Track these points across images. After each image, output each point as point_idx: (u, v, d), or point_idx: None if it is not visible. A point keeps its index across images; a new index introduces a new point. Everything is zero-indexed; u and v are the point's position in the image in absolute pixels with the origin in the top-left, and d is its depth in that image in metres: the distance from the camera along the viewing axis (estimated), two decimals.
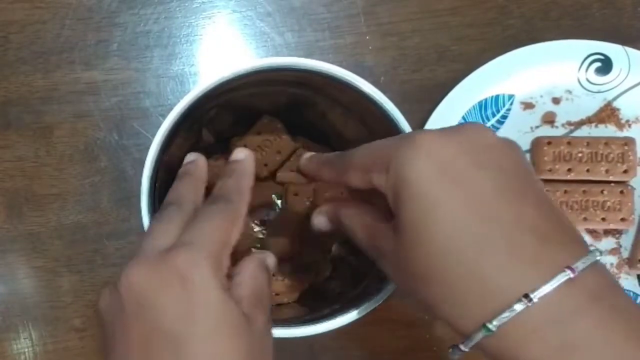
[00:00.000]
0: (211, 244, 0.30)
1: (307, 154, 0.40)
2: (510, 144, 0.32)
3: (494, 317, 0.27)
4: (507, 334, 0.27)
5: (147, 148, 0.39)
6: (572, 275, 0.27)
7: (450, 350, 0.31)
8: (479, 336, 0.28)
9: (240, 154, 0.37)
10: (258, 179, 0.47)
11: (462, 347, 0.29)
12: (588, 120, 0.55)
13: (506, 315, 0.27)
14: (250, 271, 0.33)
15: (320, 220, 0.38)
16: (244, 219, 0.33)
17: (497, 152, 0.31)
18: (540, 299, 0.26)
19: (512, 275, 0.27)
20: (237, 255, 0.34)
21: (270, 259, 0.36)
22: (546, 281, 0.27)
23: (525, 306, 0.26)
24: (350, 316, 0.39)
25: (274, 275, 0.48)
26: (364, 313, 0.39)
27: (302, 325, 0.39)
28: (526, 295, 0.26)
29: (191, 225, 0.32)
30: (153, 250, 0.31)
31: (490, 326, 0.27)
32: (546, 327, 0.27)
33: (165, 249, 0.30)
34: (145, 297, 0.29)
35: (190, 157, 0.39)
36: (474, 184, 0.29)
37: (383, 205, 0.32)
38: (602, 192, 0.53)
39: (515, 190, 0.29)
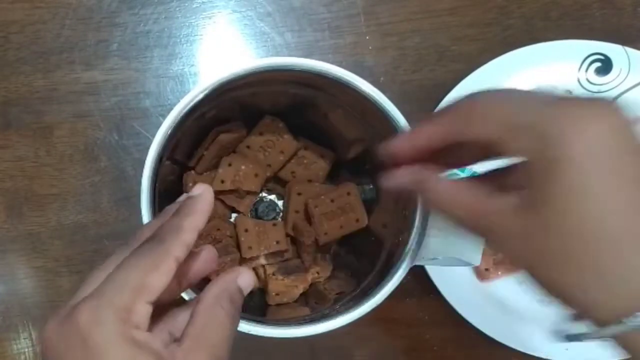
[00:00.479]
0: (120, 295, 0.28)
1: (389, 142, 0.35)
2: None
3: (637, 312, 0.26)
4: None
5: (147, 148, 0.39)
6: None
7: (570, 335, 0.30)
8: (617, 329, 0.27)
9: (197, 189, 0.34)
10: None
11: (593, 335, 0.28)
12: None
13: None
14: (203, 305, 0.31)
15: (397, 181, 0.35)
16: (177, 260, 0.30)
17: (633, 134, 0.28)
18: None
19: None
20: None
21: (244, 279, 0.33)
22: None
23: None
24: (350, 316, 0.39)
25: (273, 274, 0.48)
26: (364, 313, 0.39)
27: (302, 325, 0.39)
28: None
29: (110, 274, 0.30)
30: (70, 304, 0.30)
31: (634, 320, 0.26)
32: None
33: (78, 302, 0.29)
34: (56, 354, 0.29)
35: (195, 190, 0.34)
36: (632, 170, 0.27)
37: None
38: None
39: None
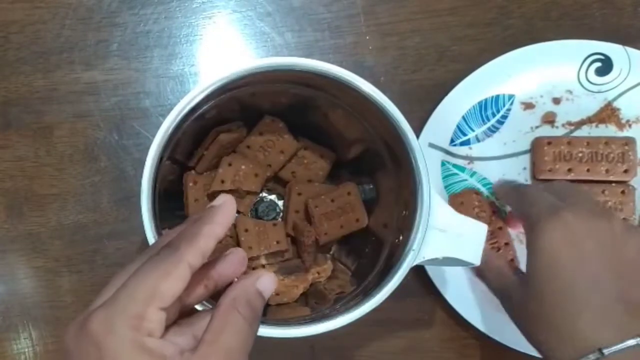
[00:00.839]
0: (132, 303, 0.29)
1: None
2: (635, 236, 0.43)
3: (578, 358, 0.39)
4: None
5: (147, 148, 0.39)
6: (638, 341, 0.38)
7: None
8: None
9: (219, 200, 0.34)
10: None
11: None
12: (589, 120, 0.55)
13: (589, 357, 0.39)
14: (220, 310, 0.31)
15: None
16: (192, 266, 0.30)
17: (620, 243, 0.42)
18: (610, 354, 0.38)
19: (598, 332, 0.39)
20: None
21: (263, 282, 0.33)
22: (617, 343, 0.38)
23: (596, 357, 0.38)
24: (351, 316, 0.39)
25: (274, 275, 0.48)
26: (364, 313, 0.39)
27: (302, 325, 0.39)
28: (600, 350, 0.38)
29: (124, 282, 0.30)
30: (88, 311, 0.30)
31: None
32: None
33: (93, 309, 0.30)
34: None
35: (218, 200, 0.34)
36: (593, 263, 0.41)
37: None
38: (603, 192, 0.53)
39: (624, 272, 0.41)
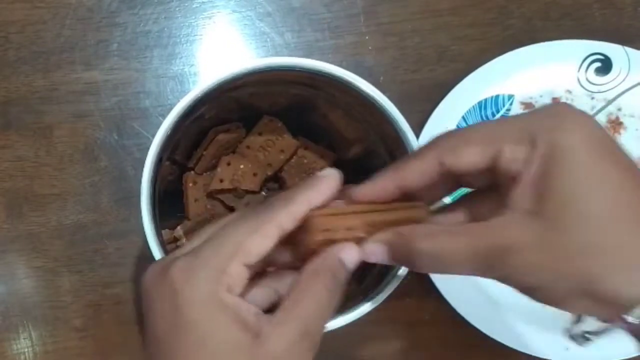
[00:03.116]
0: (214, 255, 0.29)
1: (360, 186, 0.33)
2: None
3: None
4: None
5: (147, 148, 0.39)
6: None
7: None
8: None
9: (325, 172, 0.33)
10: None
11: (630, 318, 0.27)
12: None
13: None
14: (302, 278, 0.30)
15: (375, 252, 0.32)
16: (281, 227, 0.30)
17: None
18: None
19: None
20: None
21: (346, 253, 0.31)
22: None
23: None
24: (351, 316, 0.39)
25: None
26: (364, 313, 0.39)
27: None
28: None
29: (212, 234, 0.31)
30: (171, 257, 0.30)
31: None
32: None
33: (178, 256, 0.30)
34: (149, 301, 0.30)
35: (324, 172, 0.33)
36: (626, 160, 0.28)
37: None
38: None
39: None
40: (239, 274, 0.29)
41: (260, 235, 0.30)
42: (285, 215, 0.30)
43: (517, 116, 0.30)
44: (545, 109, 0.29)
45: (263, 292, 0.32)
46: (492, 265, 0.29)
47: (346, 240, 0.31)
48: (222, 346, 0.28)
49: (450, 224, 0.33)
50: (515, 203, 0.28)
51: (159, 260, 0.31)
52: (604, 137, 0.28)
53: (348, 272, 0.32)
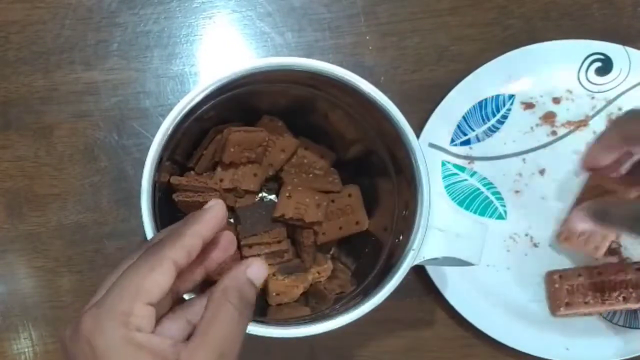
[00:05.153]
0: (118, 301, 0.30)
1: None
2: None
3: None
4: None
5: (147, 148, 0.39)
6: None
7: None
8: None
9: (210, 203, 0.35)
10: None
11: None
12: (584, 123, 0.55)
13: None
14: (210, 301, 0.32)
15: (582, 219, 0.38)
16: (176, 262, 0.31)
17: None
18: None
19: None
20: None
21: (253, 270, 0.33)
22: None
23: None
24: (351, 316, 0.39)
25: (274, 275, 0.48)
26: (364, 313, 0.39)
27: (302, 325, 0.39)
28: None
29: (114, 282, 0.31)
30: (83, 310, 0.31)
31: None
32: None
33: (85, 310, 0.31)
34: (71, 357, 0.31)
35: (209, 204, 0.35)
36: None
37: None
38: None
39: None
40: (144, 313, 0.30)
41: (157, 274, 0.30)
42: (176, 251, 0.31)
43: None
44: None
45: (176, 324, 0.33)
46: None
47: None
48: None
49: None
50: None
51: (69, 324, 0.32)
52: None
53: (256, 289, 0.33)
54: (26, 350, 0.52)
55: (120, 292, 0.30)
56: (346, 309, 0.40)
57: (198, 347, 0.30)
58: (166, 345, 0.30)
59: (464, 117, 0.54)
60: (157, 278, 0.30)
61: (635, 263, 0.53)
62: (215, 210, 0.34)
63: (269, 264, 0.49)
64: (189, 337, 0.31)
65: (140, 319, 0.30)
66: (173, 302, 0.34)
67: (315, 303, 0.48)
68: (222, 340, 0.31)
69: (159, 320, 0.31)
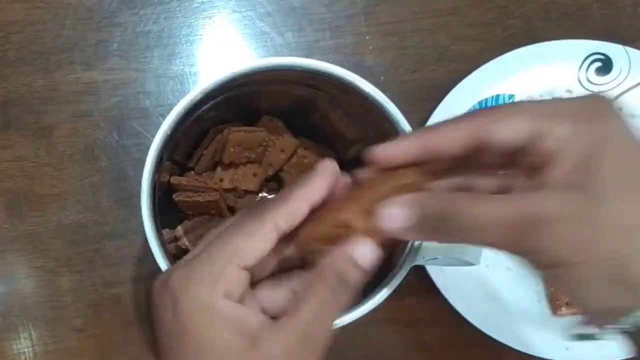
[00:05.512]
0: (210, 262, 0.29)
1: (385, 143, 0.31)
2: None
3: None
4: None
5: (147, 148, 0.39)
6: None
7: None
8: None
9: (320, 165, 0.32)
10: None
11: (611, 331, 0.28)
12: None
13: None
14: (312, 275, 0.30)
15: (395, 215, 0.29)
16: (278, 227, 0.29)
17: None
18: None
19: None
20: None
21: (359, 251, 0.30)
22: None
23: None
24: (351, 316, 0.39)
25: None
26: (364, 313, 0.39)
27: None
28: None
29: (212, 240, 0.31)
30: (176, 264, 0.31)
31: None
32: None
33: (178, 265, 0.31)
34: (155, 310, 0.31)
35: (319, 165, 0.32)
36: None
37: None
38: None
39: None
40: (236, 278, 0.29)
41: (257, 237, 0.29)
42: (281, 215, 0.30)
43: (564, 98, 0.31)
44: (591, 98, 0.30)
45: (278, 293, 0.31)
46: (525, 236, 0.27)
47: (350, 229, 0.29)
48: (218, 352, 0.28)
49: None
50: (556, 178, 0.27)
51: (165, 270, 0.32)
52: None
53: (363, 271, 0.30)
54: (26, 350, 0.52)
55: (215, 252, 0.29)
56: (346, 309, 0.39)
57: (281, 326, 0.29)
58: (252, 320, 0.29)
59: None
60: (256, 242, 0.29)
61: None
62: (326, 174, 0.31)
63: None
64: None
65: (231, 283, 0.29)
66: (279, 269, 0.32)
67: None
68: (308, 323, 0.29)
69: (257, 284, 0.30)
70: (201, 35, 0.55)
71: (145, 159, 0.39)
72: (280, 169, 0.50)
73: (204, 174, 0.49)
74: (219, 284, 0.29)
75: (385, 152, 0.30)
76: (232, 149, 0.46)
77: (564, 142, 0.28)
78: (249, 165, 0.48)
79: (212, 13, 0.55)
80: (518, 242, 0.28)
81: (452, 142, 0.29)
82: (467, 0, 0.56)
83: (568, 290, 0.28)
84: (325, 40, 0.55)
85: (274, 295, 0.31)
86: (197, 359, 0.29)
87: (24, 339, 0.52)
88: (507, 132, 0.28)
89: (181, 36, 0.55)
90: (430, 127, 0.31)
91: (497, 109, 0.30)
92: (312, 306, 0.29)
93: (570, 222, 0.27)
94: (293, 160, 0.50)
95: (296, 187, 0.31)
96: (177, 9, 0.55)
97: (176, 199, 0.46)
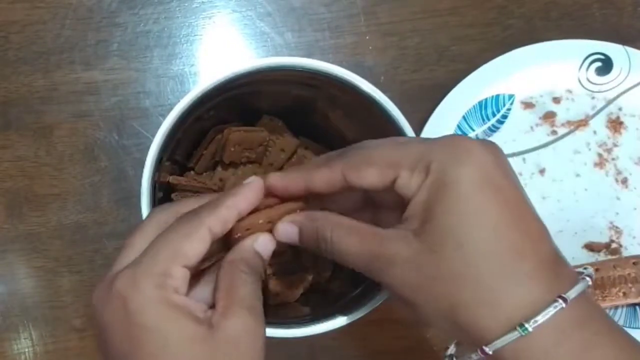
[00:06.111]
0: (155, 262, 0.31)
1: (276, 173, 0.35)
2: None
3: (522, 321, 0.28)
4: (536, 337, 0.28)
5: (147, 148, 0.39)
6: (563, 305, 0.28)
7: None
8: (506, 339, 0.28)
9: (250, 179, 0.35)
10: None
11: (487, 349, 0.29)
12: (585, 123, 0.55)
13: (536, 320, 0.28)
14: (222, 271, 0.33)
15: (287, 231, 0.35)
16: (211, 230, 0.32)
17: (511, 167, 0.32)
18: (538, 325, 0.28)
19: (541, 286, 0.29)
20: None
21: (260, 243, 0.34)
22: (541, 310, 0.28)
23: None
24: (350, 316, 0.39)
25: (274, 274, 0.48)
26: (364, 313, 0.39)
27: (302, 325, 0.39)
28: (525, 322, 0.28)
29: (149, 246, 0.32)
30: (113, 272, 0.32)
31: (521, 329, 0.28)
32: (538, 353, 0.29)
33: (119, 269, 0.31)
34: (101, 319, 0.31)
35: (248, 180, 0.35)
36: (509, 193, 0.30)
37: (370, 212, 0.34)
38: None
39: (530, 204, 0.31)
40: (181, 275, 0.31)
41: (195, 239, 0.31)
42: (213, 219, 0.32)
43: (417, 142, 0.32)
44: (444, 139, 0.32)
45: (206, 289, 0.34)
46: (377, 270, 0.32)
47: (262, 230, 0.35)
48: (183, 343, 0.29)
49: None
50: (405, 221, 0.31)
51: (100, 280, 0.32)
52: (493, 170, 0.30)
53: (264, 262, 0.35)
54: (26, 350, 0.52)
55: (157, 254, 0.31)
56: (346, 309, 0.40)
57: (227, 307, 0.31)
58: (199, 308, 0.31)
59: (464, 117, 0.54)
60: (194, 243, 0.31)
61: (632, 257, 0.53)
62: (255, 187, 0.34)
63: (269, 264, 0.49)
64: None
65: (177, 280, 0.31)
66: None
67: (315, 303, 0.48)
68: (245, 298, 0.32)
69: (191, 284, 0.32)
70: (201, 35, 0.55)
71: (145, 159, 0.39)
72: (281, 169, 0.50)
73: (204, 173, 0.49)
74: (168, 281, 0.30)
75: (276, 180, 0.35)
76: (232, 149, 0.46)
77: (409, 188, 0.31)
78: (249, 166, 0.48)
79: (212, 13, 0.55)
80: (376, 275, 0.32)
81: (325, 183, 0.33)
82: (467, 0, 0.56)
83: (421, 323, 0.32)
84: (325, 40, 0.55)
85: (204, 291, 0.34)
86: (162, 354, 0.29)
87: (24, 339, 0.52)
88: (365, 179, 0.32)
89: (181, 36, 0.55)
90: (314, 163, 0.35)
91: (357, 153, 0.33)
92: (241, 287, 0.32)
93: (410, 268, 0.30)
94: (293, 160, 0.50)
95: (227, 196, 0.34)
96: (177, 9, 0.55)
97: (175, 199, 0.46)
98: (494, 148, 0.31)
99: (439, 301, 0.30)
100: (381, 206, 0.36)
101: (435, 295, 0.30)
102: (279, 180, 0.35)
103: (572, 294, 0.29)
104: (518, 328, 0.28)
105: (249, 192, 0.34)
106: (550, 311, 0.28)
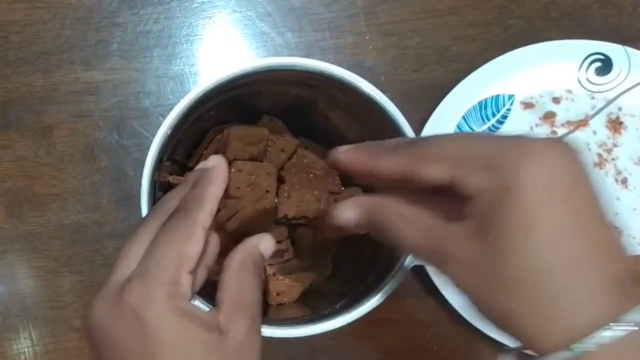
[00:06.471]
0: (164, 271, 0.30)
1: (344, 147, 0.34)
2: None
3: (581, 339, 0.27)
4: (592, 358, 0.27)
5: (147, 148, 0.39)
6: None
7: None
8: (562, 356, 0.27)
9: (210, 161, 0.36)
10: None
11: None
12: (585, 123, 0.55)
13: (594, 340, 0.27)
14: (232, 271, 0.33)
15: (348, 215, 0.33)
16: (205, 227, 0.32)
17: (584, 171, 0.30)
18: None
19: (604, 305, 0.27)
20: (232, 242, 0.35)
21: (265, 244, 0.35)
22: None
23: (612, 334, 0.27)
24: (351, 316, 0.39)
25: (274, 274, 0.48)
26: (364, 313, 0.39)
27: (302, 325, 0.39)
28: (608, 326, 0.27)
29: (148, 250, 0.32)
30: (115, 283, 0.31)
31: (579, 347, 0.27)
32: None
33: (123, 281, 0.31)
34: (109, 336, 0.30)
35: (210, 162, 0.36)
36: (579, 202, 0.28)
37: (443, 206, 0.31)
38: None
39: (602, 214, 0.29)
40: (188, 282, 0.31)
41: (194, 241, 0.31)
42: (205, 216, 0.32)
43: (489, 140, 0.30)
44: (514, 140, 0.30)
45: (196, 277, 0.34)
46: (436, 262, 0.30)
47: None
48: (201, 353, 0.29)
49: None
50: (465, 219, 0.29)
51: (100, 293, 0.31)
52: (562, 175, 0.28)
53: (264, 260, 0.36)
54: (26, 350, 0.52)
55: (163, 262, 0.30)
56: (346, 309, 0.40)
57: (232, 313, 0.31)
58: (209, 315, 0.31)
59: (464, 117, 0.54)
60: (194, 245, 0.31)
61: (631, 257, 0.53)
62: (221, 168, 0.35)
63: (269, 264, 0.49)
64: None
65: (185, 287, 0.30)
66: None
67: (315, 303, 0.48)
68: (251, 306, 0.32)
69: None
70: (201, 35, 0.55)
71: (145, 159, 0.39)
72: (281, 169, 0.50)
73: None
74: (179, 290, 0.30)
75: (345, 158, 0.33)
76: (234, 144, 0.46)
77: (476, 188, 0.29)
78: (249, 166, 0.48)
79: (212, 13, 0.55)
80: (435, 266, 0.31)
81: (388, 171, 0.32)
82: (467, 0, 0.56)
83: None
84: (325, 40, 0.55)
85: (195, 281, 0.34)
86: None
87: (24, 339, 0.52)
88: (430, 175, 0.30)
89: (181, 36, 0.55)
90: (379, 152, 0.33)
91: (426, 150, 0.31)
92: (248, 291, 0.33)
93: (468, 268, 0.29)
94: (293, 160, 0.50)
95: (204, 187, 0.34)
96: (177, 9, 0.55)
97: None
98: (565, 150, 0.29)
99: (494, 304, 0.29)
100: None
101: (492, 299, 0.29)
102: (350, 154, 0.33)
103: (636, 316, 0.27)
104: (575, 346, 0.27)
105: (220, 176, 0.34)
106: (612, 333, 0.26)
